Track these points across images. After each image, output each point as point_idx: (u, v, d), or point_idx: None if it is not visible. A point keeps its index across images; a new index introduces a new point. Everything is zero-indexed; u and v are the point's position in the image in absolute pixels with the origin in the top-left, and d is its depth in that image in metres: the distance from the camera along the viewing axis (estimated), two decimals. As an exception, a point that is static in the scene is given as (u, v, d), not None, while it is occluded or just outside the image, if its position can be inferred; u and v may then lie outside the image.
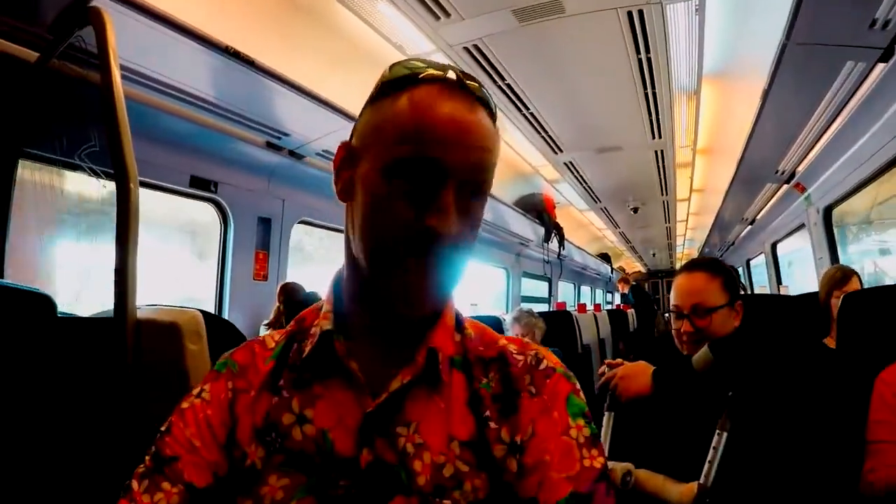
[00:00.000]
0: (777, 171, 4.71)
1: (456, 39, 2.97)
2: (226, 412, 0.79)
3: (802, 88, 3.10)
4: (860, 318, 2.04)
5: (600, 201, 7.42)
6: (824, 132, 3.68)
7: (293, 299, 3.25)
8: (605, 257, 12.36)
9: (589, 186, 6.58)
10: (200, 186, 3.24)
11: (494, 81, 3.53)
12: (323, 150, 3.52)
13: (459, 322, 0.87)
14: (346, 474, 0.72)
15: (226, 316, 3.39)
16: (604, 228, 9.59)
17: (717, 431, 1.53)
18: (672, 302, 1.87)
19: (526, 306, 4.13)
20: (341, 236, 0.88)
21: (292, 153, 3.49)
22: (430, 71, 0.74)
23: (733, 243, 8.56)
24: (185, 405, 0.80)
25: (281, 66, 2.65)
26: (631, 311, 9.29)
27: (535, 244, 7.54)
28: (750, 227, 6.96)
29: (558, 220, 7.48)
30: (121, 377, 1.28)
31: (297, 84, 2.77)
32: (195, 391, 0.82)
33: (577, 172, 5.95)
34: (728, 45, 3.18)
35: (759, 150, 4.25)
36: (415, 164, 0.70)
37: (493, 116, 0.76)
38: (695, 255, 12.64)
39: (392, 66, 0.77)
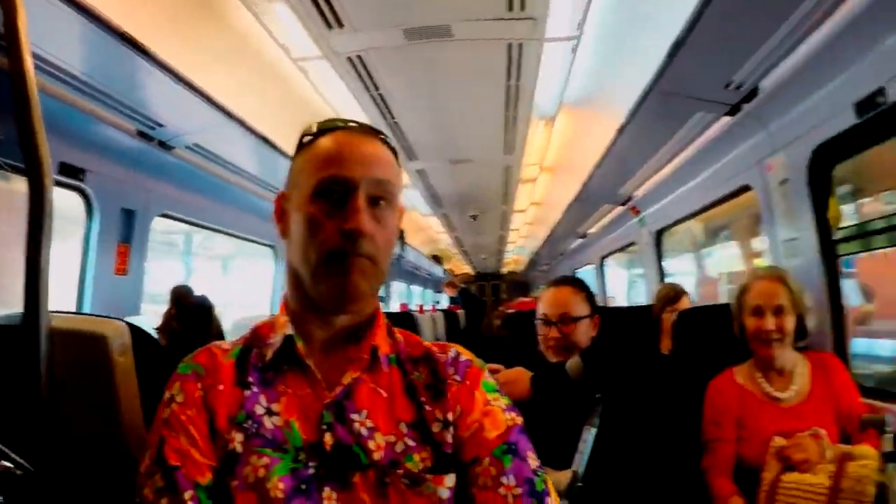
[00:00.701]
0: (616, 194, 5.15)
1: (342, 48, 2.98)
2: (202, 408, 0.91)
3: (654, 128, 3.44)
4: (692, 331, 2.40)
5: (444, 207, 7.64)
6: (664, 166, 4.10)
7: (185, 303, 3.12)
8: (437, 259, 12.70)
9: (436, 193, 6.76)
10: (69, 174, 2.99)
11: (367, 90, 3.55)
12: (194, 144, 3.39)
13: (390, 328, 1.08)
14: (313, 456, 0.88)
15: (87, 311, 3.19)
16: (441, 232, 9.85)
17: (587, 427, 1.76)
18: (541, 311, 2.11)
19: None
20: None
21: (162, 144, 3.32)
22: (340, 122, 1.00)
23: (562, 254, 9.14)
24: (165, 414, 0.91)
25: (163, 52, 2.51)
26: (461, 312, 9.61)
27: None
28: (581, 240, 7.48)
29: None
30: (33, 389, 1.22)
31: (180, 74, 2.66)
32: (166, 397, 0.94)
33: (427, 180, 6.11)
34: (594, 80, 3.44)
35: (604, 174, 4.60)
36: (330, 182, 0.93)
37: (393, 152, 1.02)
38: (524, 260, 13.28)
39: (312, 125, 1.02)
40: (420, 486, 0.89)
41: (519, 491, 0.90)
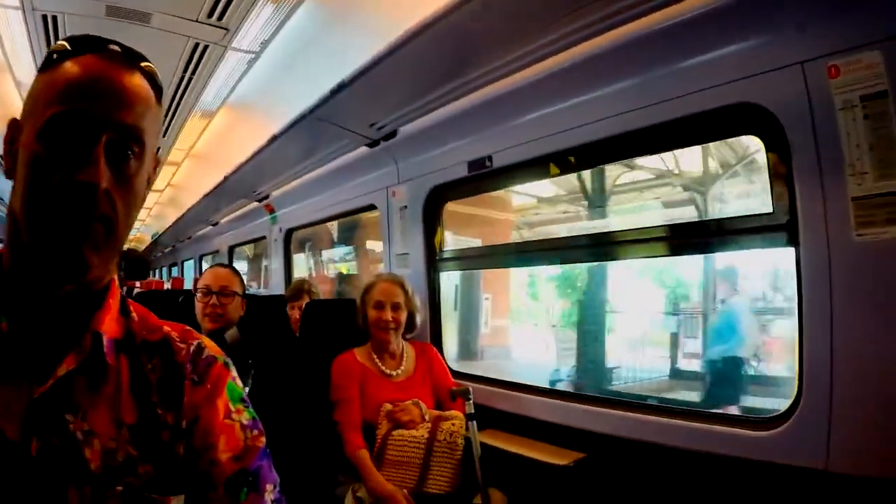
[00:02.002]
0: (254, 191, 5.23)
1: (41, 5, 2.66)
2: None
3: (302, 143, 3.67)
4: (317, 319, 2.77)
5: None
6: (304, 175, 4.34)
7: None
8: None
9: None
10: None
11: (49, 48, 3.19)
12: None
13: (124, 304, 0.84)
14: (17, 463, 0.66)
15: None
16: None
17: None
18: (203, 284, 2.41)
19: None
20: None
21: None
22: (100, 42, 0.74)
23: (189, 237, 8.81)
24: None
25: None
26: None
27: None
28: (212, 227, 7.35)
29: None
30: None
31: None
32: None
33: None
34: (261, 92, 3.52)
35: (247, 171, 4.58)
36: (65, 119, 0.68)
37: (156, 89, 0.78)
38: (147, 240, 12.34)
39: (64, 39, 0.75)
40: None
41: None
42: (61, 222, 0.67)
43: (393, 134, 3.13)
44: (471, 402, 2.37)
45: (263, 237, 5.94)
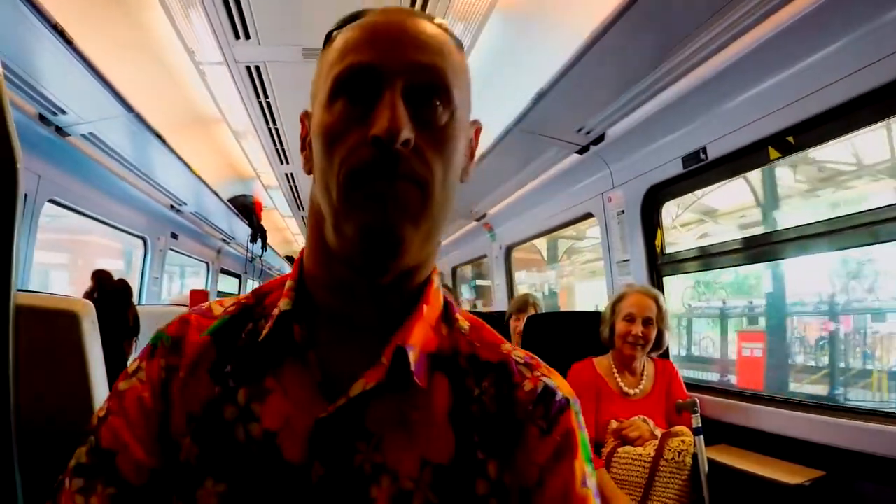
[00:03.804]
0: (472, 210, 5.50)
1: (243, 58, 3.07)
2: (158, 396, 0.65)
3: (511, 158, 3.81)
4: (537, 334, 2.82)
5: (304, 210, 7.71)
6: (517, 190, 4.52)
7: (106, 286, 3.02)
8: (291, 260, 12.66)
9: (298, 197, 6.84)
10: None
11: (258, 96, 3.66)
12: (90, 133, 3.32)
13: (448, 310, 0.72)
14: (294, 488, 0.59)
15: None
16: (298, 234, 9.92)
17: None
18: None
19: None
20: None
21: (58, 129, 3.18)
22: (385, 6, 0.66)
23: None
24: (122, 386, 0.66)
25: (77, 37, 2.44)
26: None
27: (235, 242, 7.66)
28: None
29: (262, 222, 7.65)
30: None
31: (91, 62, 2.61)
32: (132, 368, 0.68)
33: (294, 183, 6.21)
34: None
35: (463, 191, 4.81)
36: (351, 76, 0.60)
37: (456, 42, 0.67)
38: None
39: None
40: None
41: None
42: (365, 189, 0.58)
43: (601, 137, 3.16)
44: (697, 415, 2.29)
45: (484, 256, 6.20)
